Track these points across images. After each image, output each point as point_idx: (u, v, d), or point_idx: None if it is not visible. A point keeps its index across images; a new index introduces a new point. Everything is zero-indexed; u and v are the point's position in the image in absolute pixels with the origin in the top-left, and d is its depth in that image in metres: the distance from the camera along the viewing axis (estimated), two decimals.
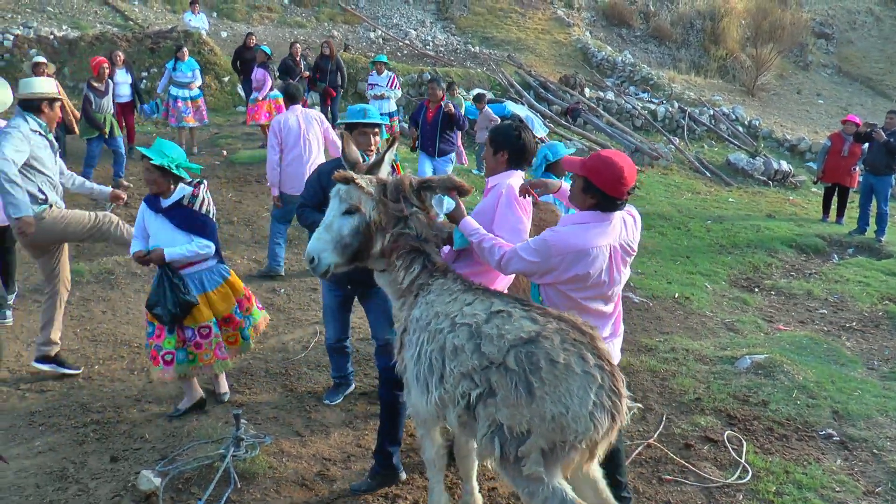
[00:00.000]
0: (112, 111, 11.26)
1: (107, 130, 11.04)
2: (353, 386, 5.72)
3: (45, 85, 5.76)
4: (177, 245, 4.95)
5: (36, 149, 5.57)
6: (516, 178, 4.03)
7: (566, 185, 4.04)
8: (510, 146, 4.05)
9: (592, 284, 3.55)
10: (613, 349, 3.73)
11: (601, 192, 3.45)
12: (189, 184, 5.09)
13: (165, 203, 4.99)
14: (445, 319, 3.39)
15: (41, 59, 11.78)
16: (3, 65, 16.08)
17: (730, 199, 14.29)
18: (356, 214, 4.08)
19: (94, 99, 10.90)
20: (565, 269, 3.46)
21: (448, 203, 3.79)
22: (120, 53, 12.83)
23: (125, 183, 11.26)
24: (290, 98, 8.14)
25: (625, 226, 3.62)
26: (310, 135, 7.83)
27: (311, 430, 5.13)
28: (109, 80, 11.38)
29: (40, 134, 5.65)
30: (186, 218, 5.02)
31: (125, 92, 12.60)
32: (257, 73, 13.38)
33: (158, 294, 4.91)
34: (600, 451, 3.18)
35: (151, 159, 4.85)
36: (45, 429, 5.07)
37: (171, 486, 4.38)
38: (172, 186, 5.00)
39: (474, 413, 3.20)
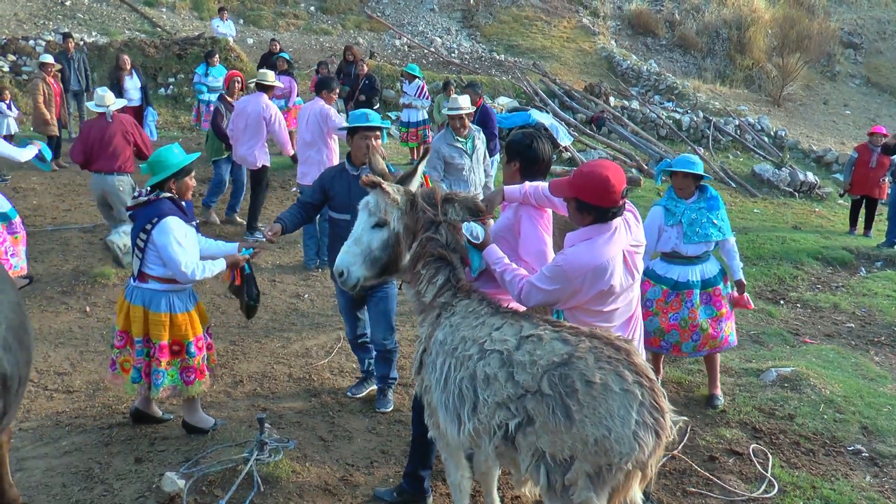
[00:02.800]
0: None
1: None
2: None
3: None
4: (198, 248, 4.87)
5: None
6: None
7: (528, 185, 3.91)
8: (521, 156, 4.00)
9: (617, 294, 3.53)
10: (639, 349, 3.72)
11: (595, 207, 3.43)
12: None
13: (187, 205, 4.90)
14: (474, 345, 3.29)
15: (48, 58, 12.02)
16: (33, 69, 16.30)
17: (755, 210, 14.17)
18: (385, 228, 4.07)
19: (226, 114, 9.59)
20: (588, 288, 3.42)
21: (478, 231, 3.71)
22: (126, 58, 12.94)
23: (238, 219, 10.15)
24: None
25: (628, 227, 3.59)
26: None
27: (334, 435, 5.15)
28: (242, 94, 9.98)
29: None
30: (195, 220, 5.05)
31: (135, 97, 12.73)
32: (282, 81, 13.42)
33: (251, 288, 5.05)
34: (651, 470, 3.07)
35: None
36: (71, 429, 5.12)
37: (195, 489, 4.41)
38: None
39: (513, 443, 3.12)
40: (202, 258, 4.76)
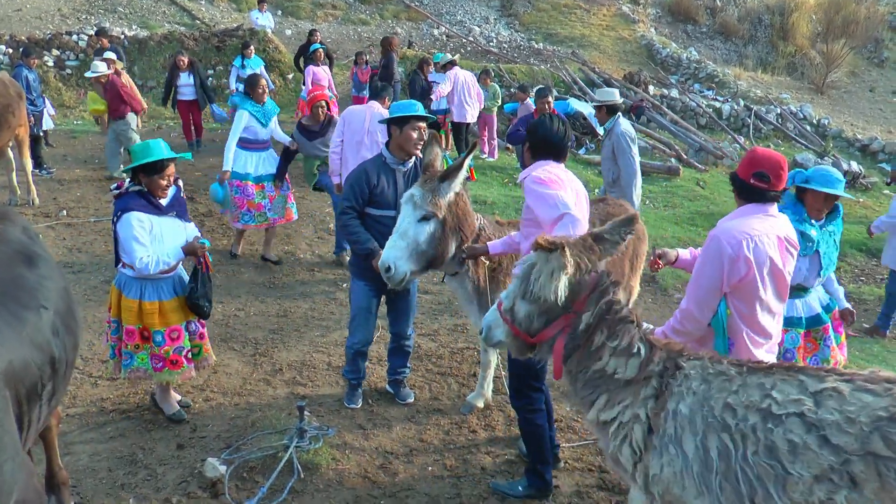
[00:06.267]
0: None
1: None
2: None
3: None
4: (184, 237, 4.91)
5: None
6: (542, 169, 3.97)
7: (683, 252, 3.95)
8: (531, 139, 4.07)
9: (773, 275, 3.43)
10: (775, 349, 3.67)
11: (755, 187, 3.43)
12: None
13: (168, 200, 4.85)
14: (750, 412, 2.74)
15: (110, 55, 12.12)
16: (77, 64, 16.60)
17: None
18: (432, 220, 4.07)
19: (299, 139, 8.25)
20: (752, 256, 3.31)
21: None
22: (184, 57, 13.08)
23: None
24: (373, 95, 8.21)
25: (789, 252, 3.51)
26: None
27: (373, 423, 5.18)
28: (335, 117, 8.56)
29: None
30: (185, 209, 5.04)
31: (189, 91, 12.90)
32: (324, 71, 13.48)
33: (202, 286, 4.87)
34: None
35: (175, 160, 4.82)
36: (115, 415, 5.23)
37: (236, 475, 4.48)
38: None
39: None
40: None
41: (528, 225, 3.98)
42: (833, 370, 2.83)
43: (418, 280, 5.27)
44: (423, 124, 4.85)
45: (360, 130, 7.63)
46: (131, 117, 11.11)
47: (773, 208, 3.48)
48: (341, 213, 4.97)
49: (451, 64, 13.03)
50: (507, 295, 3.14)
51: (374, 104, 7.76)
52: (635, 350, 2.97)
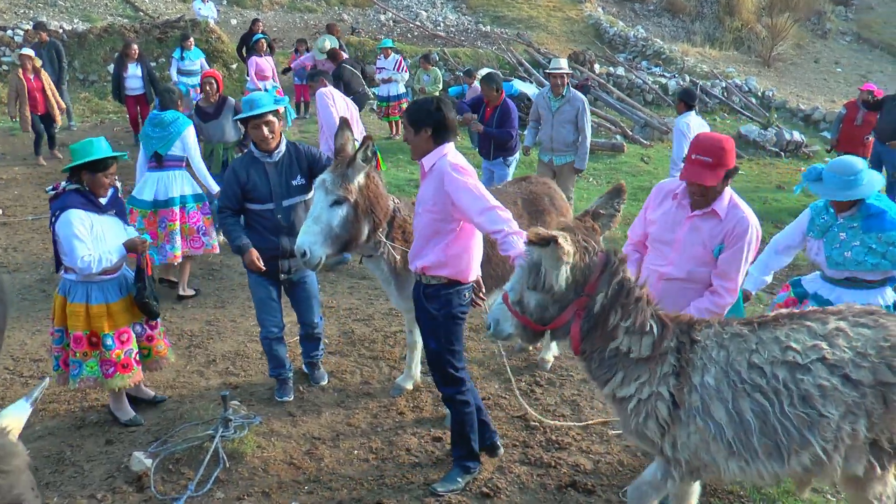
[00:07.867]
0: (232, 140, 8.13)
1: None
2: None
3: None
4: (125, 236, 4.80)
5: None
6: (452, 152, 3.88)
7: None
8: (432, 120, 3.80)
9: None
10: None
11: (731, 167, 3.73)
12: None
13: (107, 200, 4.79)
14: (777, 367, 2.92)
15: (26, 51, 11.86)
16: (12, 60, 16.23)
17: (740, 172, 14.13)
18: (344, 204, 4.10)
19: (197, 122, 7.78)
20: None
21: None
22: (135, 46, 12.89)
23: None
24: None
25: None
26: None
27: (303, 410, 5.21)
28: (229, 98, 8.27)
29: None
30: (123, 209, 4.99)
31: (136, 85, 12.70)
32: (266, 61, 13.38)
33: (147, 286, 4.80)
34: None
35: (117, 158, 4.76)
36: (44, 414, 5.19)
37: (162, 467, 4.49)
38: None
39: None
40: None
41: (432, 212, 3.85)
42: (823, 310, 3.12)
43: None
44: (263, 119, 4.78)
45: (345, 110, 8.08)
46: None
47: None
48: (218, 212, 5.01)
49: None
50: (511, 287, 3.17)
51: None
52: (648, 329, 3.06)
